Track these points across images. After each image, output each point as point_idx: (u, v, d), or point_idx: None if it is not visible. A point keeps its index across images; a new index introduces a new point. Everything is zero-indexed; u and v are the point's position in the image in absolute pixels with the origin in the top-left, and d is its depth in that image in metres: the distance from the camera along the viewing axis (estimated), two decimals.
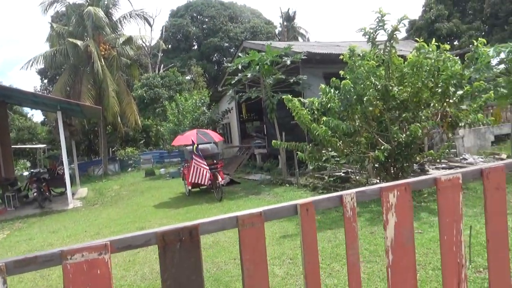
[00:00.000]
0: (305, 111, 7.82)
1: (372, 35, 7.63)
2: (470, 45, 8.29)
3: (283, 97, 7.93)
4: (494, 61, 9.95)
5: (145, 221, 8.94)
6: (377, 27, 7.52)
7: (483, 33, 27.79)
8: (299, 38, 46.67)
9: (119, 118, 23.78)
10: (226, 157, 20.55)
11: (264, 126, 17.04)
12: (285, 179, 11.74)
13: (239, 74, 12.24)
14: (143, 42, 30.60)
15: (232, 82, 12.84)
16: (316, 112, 7.90)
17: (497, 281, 1.93)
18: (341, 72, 8.00)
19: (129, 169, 24.12)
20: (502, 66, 9.38)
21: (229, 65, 12.94)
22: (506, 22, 26.27)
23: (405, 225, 1.73)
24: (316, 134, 7.40)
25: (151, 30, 35.54)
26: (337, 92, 7.45)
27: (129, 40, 24.83)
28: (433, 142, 11.32)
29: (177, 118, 18.64)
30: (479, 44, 7.11)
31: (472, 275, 3.91)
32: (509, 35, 24.75)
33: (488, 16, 28.09)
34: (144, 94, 26.08)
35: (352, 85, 7.27)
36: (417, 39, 9.04)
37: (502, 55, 8.77)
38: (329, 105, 7.57)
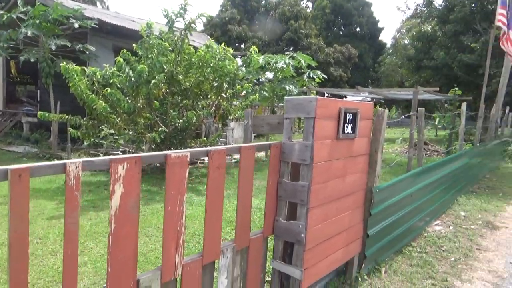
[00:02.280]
0: (85, 82, 7.24)
1: (172, 19, 7.76)
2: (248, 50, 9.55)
3: (61, 64, 7.10)
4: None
5: None
6: (178, 14, 7.71)
7: (264, 43, 32.30)
8: (98, 4, 42.61)
9: None
10: None
11: (38, 92, 14.85)
12: (54, 154, 10.59)
13: (21, 29, 10.21)
14: None
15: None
16: (97, 84, 7.44)
17: (210, 245, 2.32)
18: (134, 46, 7.79)
19: None
20: (268, 73, 11.13)
21: (1, 12, 10.65)
22: (281, 39, 31.34)
23: (131, 196, 1.87)
24: (94, 108, 6.98)
25: None
26: (128, 68, 7.20)
27: None
28: (210, 131, 12.44)
29: None
30: (252, 52, 8.22)
31: None
32: (281, 50, 29.66)
33: (269, 30, 32.80)
34: None
35: (147, 73, 7.15)
36: (211, 35, 9.70)
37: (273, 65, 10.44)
38: (112, 80, 7.25)
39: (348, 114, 3.01)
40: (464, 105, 6.99)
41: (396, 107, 32.94)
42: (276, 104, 11.08)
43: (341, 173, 3.04)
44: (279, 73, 10.68)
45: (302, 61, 10.94)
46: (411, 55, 26.10)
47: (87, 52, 11.05)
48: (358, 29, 44.00)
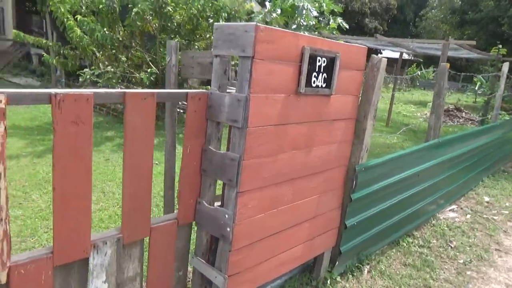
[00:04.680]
0: (67, 6, 6.35)
1: None
2: None
3: None
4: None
5: None
6: None
7: None
8: None
9: None
10: None
11: (44, 21, 14.14)
12: (53, 87, 10.06)
13: None
14: None
15: None
16: (85, 9, 6.53)
17: (65, 237, 1.53)
18: None
19: None
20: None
21: None
22: None
23: None
24: (71, 35, 6.17)
25: None
26: None
27: None
28: None
29: None
30: None
31: None
32: None
33: None
34: None
35: None
36: None
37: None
38: (100, 5, 6.31)
39: (318, 58, 2.03)
40: (506, 66, 5.65)
41: (434, 67, 30.46)
42: None
43: (303, 143, 2.13)
44: (298, 18, 9.42)
45: (324, 5, 9.58)
46: (456, 7, 23.38)
47: None
48: None
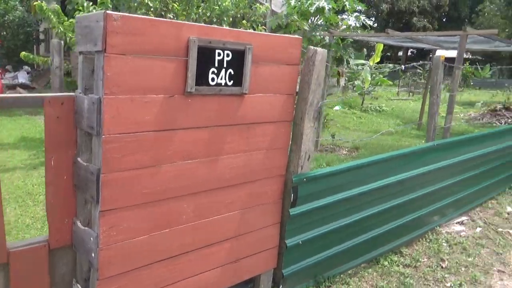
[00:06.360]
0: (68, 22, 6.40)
1: None
2: None
3: (35, 3, 6.25)
4: None
5: None
6: None
7: None
8: None
9: None
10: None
11: None
12: None
13: None
14: None
15: None
16: None
17: None
18: None
19: None
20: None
21: None
22: None
23: None
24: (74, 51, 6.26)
25: None
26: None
27: None
28: None
29: None
30: None
31: None
32: None
33: None
34: None
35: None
36: None
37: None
38: None
39: (218, 51, 1.74)
40: None
41: (490, 65, 27.97)
42: None
43: (204, 152, 1.82)
44: (317, 17, 9.02)
45: (347, 4, 9.11)
46: None
47: None
48: None
